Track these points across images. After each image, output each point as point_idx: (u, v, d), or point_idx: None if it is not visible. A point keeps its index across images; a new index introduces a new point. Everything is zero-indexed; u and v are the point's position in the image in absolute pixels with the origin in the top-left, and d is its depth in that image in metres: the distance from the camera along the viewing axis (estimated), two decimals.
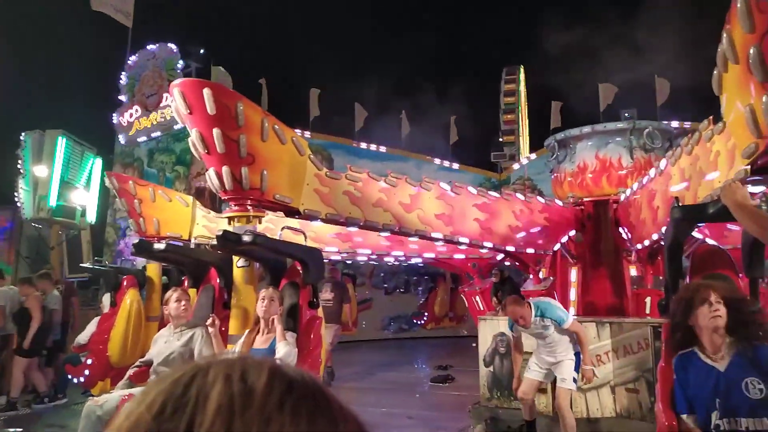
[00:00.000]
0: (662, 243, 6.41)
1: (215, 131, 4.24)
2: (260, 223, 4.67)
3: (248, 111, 4.31)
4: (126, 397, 4.11)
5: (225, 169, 4.35)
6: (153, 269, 7.12)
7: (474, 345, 6.95)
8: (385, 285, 15.83)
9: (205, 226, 7.57)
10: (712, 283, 2.62)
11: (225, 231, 4.07)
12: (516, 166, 19.16)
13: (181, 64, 14.34)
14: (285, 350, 3.70)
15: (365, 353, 12.41)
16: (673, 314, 2.67)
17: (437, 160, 17.31)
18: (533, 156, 18.73)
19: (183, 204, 7.40)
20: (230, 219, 4.58)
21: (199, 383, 0.47)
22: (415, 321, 15.45)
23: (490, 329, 6.14)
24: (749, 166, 3.22)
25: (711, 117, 3.88)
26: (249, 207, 4.52)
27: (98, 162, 11.62)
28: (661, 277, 7.53)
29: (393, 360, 12.24)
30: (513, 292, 7.97)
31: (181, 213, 7.35)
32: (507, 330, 6.01)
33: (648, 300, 7.03)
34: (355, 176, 5.27)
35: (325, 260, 11.05)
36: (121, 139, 14.92)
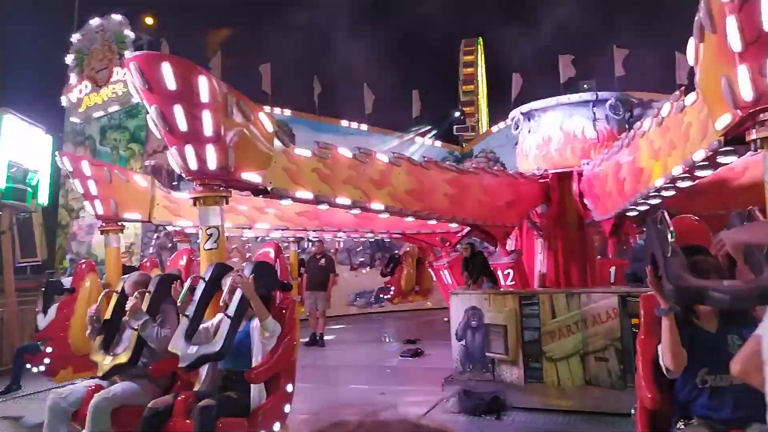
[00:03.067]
0: (627, 214, 6.52)
1: (177, 108, 4.02)
2: (227, 203, 4.49)
3: (211, 86, 4.09)
4: (92, 388, 3.95)
5: (188, 148, 4.14)
6: (112, 252, 6.84)
7: (445, 319, 6.98)
8: (351, 261, 15.81)
9: (165, 206, 7.30)
10: (706, 261, 2.68)
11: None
12: (478, 138, 19.28)
13: (131, 35, 13.70)
14: (273, 325, 3.61)
15: (332, 330, 12.38)
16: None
17: (400, 134, 17.21)
18: (495, 129, 18.83)
19: (141, 184, 7.10)
20: (195, 200, 4.39)
21: None
22: (381, 296, 15.50)
23: (462, 304, 6.16)
24: (723, 137, 3.24)
25: (683, 87, 3.89)
26: (215, 187, 4.33)
27: (48, 141, 11.04)
28: (624, 247, 7.70)
29: (361, 336, 12.26)
30: (483, 266, 8.02)
31: (140, 194, 7.05)
32: (478, 304, 6.05)
33: (612, 270, 7.17)
34: (324, 152, 5.13)
35: (297, 236, 10.96)
36: (72, 116, 14.25)
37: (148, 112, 4.21)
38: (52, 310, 6.55)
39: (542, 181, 8.36)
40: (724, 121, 3.10)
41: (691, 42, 3.24)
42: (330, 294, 10.36)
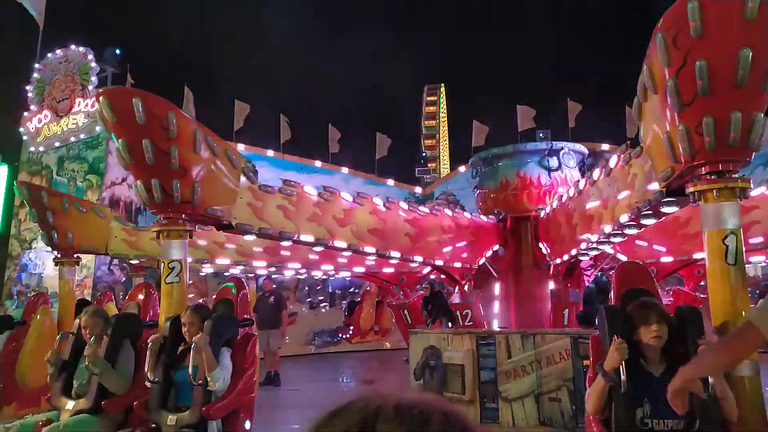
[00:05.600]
0: (579, 258, 6.79)
1: (145, 142, 4.07)
2: (191, 237, 4.51)
3: (180, 121, 4.17)
4: (43, 422, 3.84)
5: (154, 182, 4.18)
6: (66, 285, 6.69)
7: (405, 359, 7.02)
8: (309, 299, 15.69)
9: (123, 239, 7.22)
10: (651, 302, 2.88)
11: None
12: (439, 181, 19.71)
13: (95, 67, 13.64)
14: (220, 376, 3.61)
15: (289, 369, 12.17)
16: (612, 328, 2.92)
17: (363, 175, 17.44)
18: (459, 170, 19.30)
19: (99, 216, 7.01)
20: (159, 233, 4.40)
21: None
22: (340, 335, 15.38)
23: (421, 343, 6.23)
24: (665, 189, 3.49)
25: (629, 141, 4.17)
26: (180, 221, 4.36)
27: (3, 169, 10.80)
28: (578, 291, 7.96)
29: (318, 375, 12.10)
30: (442, 305, 8.16)
31: (97, 225, 6.96)
32: (436, 343, 6.14)
33: (566, 312, 7.40)
34: (289, 190, 5.22)
35: (252, 274, 10.88)
36: (29, 146, 13.97)
37: (108, 144, 4.25)
38: (0, 342, 6.32)
39: (500, 224, 8.63)
40: (665, 174, 3.36)
41: (636, 101, 3.52)
42: (284, 331, 10.23)
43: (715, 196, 3.05)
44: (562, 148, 8.80)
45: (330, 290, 16.29)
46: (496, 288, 8.91)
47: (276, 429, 6.83)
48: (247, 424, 3.86)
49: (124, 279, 11.77)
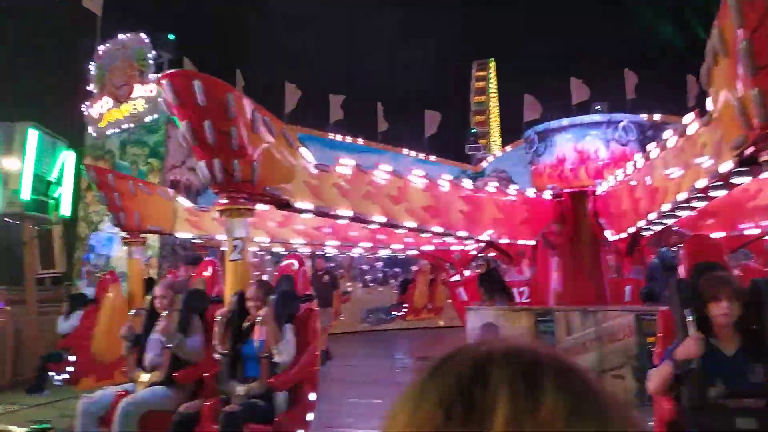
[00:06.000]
0: (642, 233, 6.59)
1: (206, 123, 4.19)
2: (252, 216, 4.63)
3: (239, 102, 4.27)
4: (120, 393, 4.06)
5: (216, 162, 4.31)
6: (134, 264, 7.01)
7: (462, 336, 7.03)
8: (365, 277, 15.89)
9: (187, 219, 7.48)
10: (724, 278, 2.78)
11: None
12: (490, 158, 19.41)
13: (152, 54, 14.03)
14: (284, 349, 3.74)
15: (344, 346, 12.42)
16: (683, 304, 2.84)
17: (413, 153, 17.37)
18: (508, 148, 18.96)
19: (165, 197, 7.30)
20: (221, 212, 4.54)
21: (480, 390, 0.48)
22: (393, 313, 15.53)
23: (478, 319, 6.23)
24: (737, 158, 3.33)
25: (696, 110, 4.00)
26: (240, 200, 4.48)
27: (71, 155, 11.31)
28: (639, 267, 7.74)
29: (374, 352, 12.29)
30: (498, 282, 8.09)
31: (163, 206, 7.25)
32: (494, 320, 6.13)
33: (627, 288, 7.21)
34: (344, 169, 5.27)
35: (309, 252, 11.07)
36: (92, 131, 14.57)
37: (167, 128, 4.39)
38: (75, 317, 6.70)
39: (557, 200, 8.45)
40: (737, 142, 3.20)
41: (704, 66, 3.35)
42: (338, 310, 10.44)
43: None
44: (621, 120, 8.49)
45: (382, 269, 16.44)
46: (553, 265, 8.76)
47: (333, 402, 7.01)
48: (312, 396, 3.98)
49: (191, 259, 12.20)
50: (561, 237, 8.73)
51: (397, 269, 16.58)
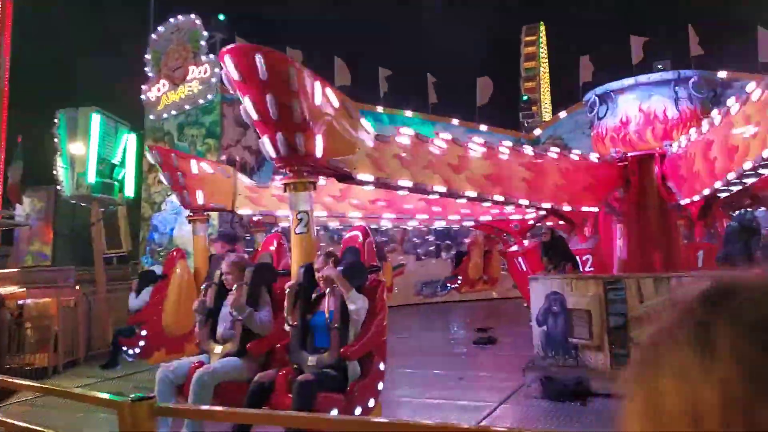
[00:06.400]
0: (718, 195, 6.25)
1: (268, 97, 4.18)
2: (315, 189, 4.62)
3: (300, 75, 4.23)
4: (196, 364, 4.18)
5: (279, 136, 4.30)
6: (199, 240, 7.19)
7: (525, 305, 6.94)
8: (417, 250, 15.86)
9: (247, 197, 7.59)
10: None
11: None
12: (544, 125, 18.91)
13: (205, 35, 14.20)
14: (356, 297, 3.81)
15: (401, 318, 12.47)
16: None
17: (466, 124, 17.08)
18: (562, 114, 18.39)
19: (224, 175, 7.41)
20: (286, 186, 4.55)
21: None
22: (448, 285, 15.48)
23: (543, 289, 6.09)
24: None
25: None
26: (304, 173, 4.48)
27: (132, 137, 11.67)
28: (713, 231, 7.38)
29: (430, 324, 12.30)
30: (564, 250, 7.89)
31: (223, 184, 7.37)
32: (559, 289, 5.98)
33: (700, 254, 6.89)
34: (404, 138, 5.19)
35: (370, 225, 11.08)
36: (150, 114, 14.97)
37: (222, 108, 4.40)
38: (145, 293, 6.94)
39: (620, 164, 8.12)
40: None
41: None
42: (389, 283, 10.37)
43: None
44: (691, 77, 8.02)
45: (435, 241, 16.37)
46: (618, 232, 8.47)
47: (395, 373, 7.04)
48: (381, 366, 3.99)
49: (248, 236, 12.48)
50: (626, 203, 8.41)
51: (449, 242, 16.48)
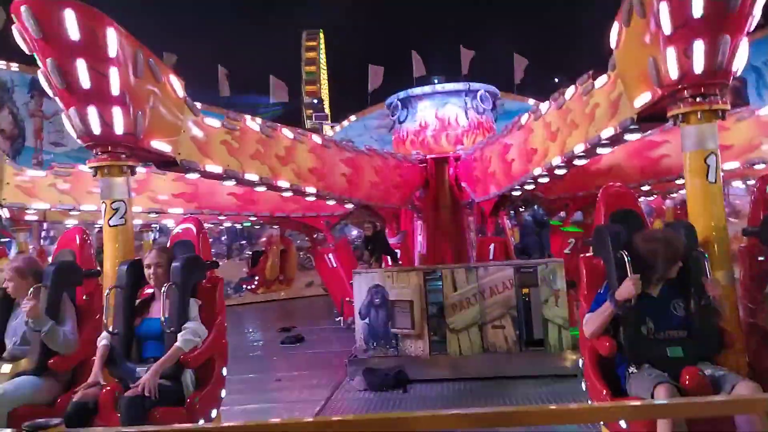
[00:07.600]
0: (513, 194, 7.02)
1: (79, 62, 3.50)
2: (133, 174, 4.00)
3: (121, 40, 3.62)
4: None
5: (91, 110, 3.63)
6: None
7: (348, 300, 6.97)
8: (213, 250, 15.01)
9: (17, 186, 6.32)
10: (660, 240, 3.02)
11: None
12: (337, 128, 19.48)
13: None
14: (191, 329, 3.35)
15: None
16: (615, 248, 3.04)
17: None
18: (353, 117, 19.13)
19: None
20: (96, 169, 3.86)
21: None
22: (244, 286, 14.92)
23: (365, 282, 6.18)
24: (638, 115, 3.62)
25: (591, 72, 4.28)
26: (122, 156, 3.84)
27: None
28: (501, 226, 8.29)
29: (229, 328, 11.65)
30: (384, 244, 8.15)
31: None
32: (381, 282, 6.14)
33: (492, 246, 7.68)
34: (233, 124, 4.80)
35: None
36: None
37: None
38: None
39: (421, 165, 8.69)
40: (643, 99, 3.48)
41: (615, 26, 3.58)
42: None
43: (699, 117, 3.21)
44: (479, 89, 8.94)
45: (227, 242, 15.69)
46: (418, 228, 9.05)
47: None
48: (224, 371, 3.61)
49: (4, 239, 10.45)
50: (424, 201, 9.03)
51: (243, 241, 15.95)
